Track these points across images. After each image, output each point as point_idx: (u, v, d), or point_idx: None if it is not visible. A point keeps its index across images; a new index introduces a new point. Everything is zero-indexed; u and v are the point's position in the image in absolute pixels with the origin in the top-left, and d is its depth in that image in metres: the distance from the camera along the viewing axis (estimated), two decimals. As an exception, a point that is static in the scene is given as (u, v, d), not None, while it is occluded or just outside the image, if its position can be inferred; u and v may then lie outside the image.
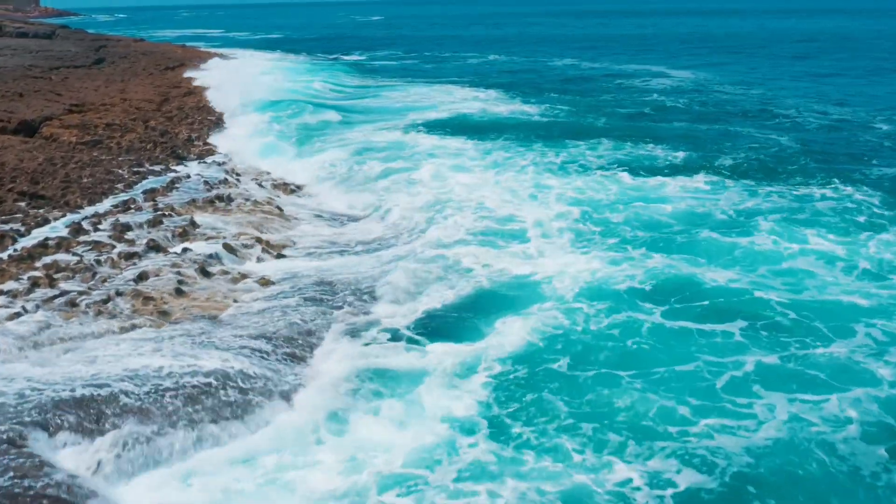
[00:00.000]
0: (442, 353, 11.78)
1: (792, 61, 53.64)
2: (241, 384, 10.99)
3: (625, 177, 21.06)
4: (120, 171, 21.14)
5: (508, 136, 26.52)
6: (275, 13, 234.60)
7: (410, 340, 12.37)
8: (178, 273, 14.94)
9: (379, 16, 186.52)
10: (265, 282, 15.19)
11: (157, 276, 14.79)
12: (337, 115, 31.39)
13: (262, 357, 11.80)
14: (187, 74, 41.81)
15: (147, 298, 13.74)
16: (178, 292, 14.18)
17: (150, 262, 15.47)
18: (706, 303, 13.28)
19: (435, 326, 12.84)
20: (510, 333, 12.31)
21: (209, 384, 10.80)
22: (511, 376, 11.18)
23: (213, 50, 65.98)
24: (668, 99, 36.27)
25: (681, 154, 23.82)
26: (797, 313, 12.80)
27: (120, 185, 19.92)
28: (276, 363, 11.62)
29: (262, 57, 61.72)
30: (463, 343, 12.13)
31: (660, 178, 20.65)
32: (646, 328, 12.54)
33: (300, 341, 12.33)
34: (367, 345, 12.21)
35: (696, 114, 31.98)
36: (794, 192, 19.47)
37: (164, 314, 13.34)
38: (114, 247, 15.99)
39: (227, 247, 16.78)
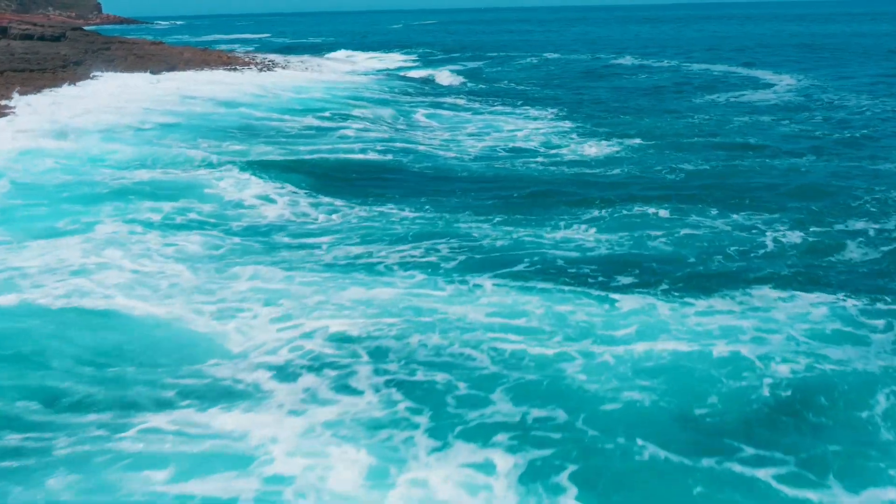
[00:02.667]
0: None
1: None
2: None
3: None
4: None
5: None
6: (340, 19, 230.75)
7: None
8: None
9: (433, 20, 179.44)
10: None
11: None
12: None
13: None
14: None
15: None
16: None
17: None
18: None
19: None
20: None
21: None
22: None
23: (233, 54, 58.92)
24: (770, 119, 26.76)
25: (791, 227, 14.51)
26: None
27: None
28: None
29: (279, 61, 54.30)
30: None
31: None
32: None
33: None
34: None
35: (811, 142, 22.57)
36: None
37: None
38: None
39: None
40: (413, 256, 12.98)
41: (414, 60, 61.09)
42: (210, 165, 19.06)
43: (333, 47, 75.83)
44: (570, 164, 20.36)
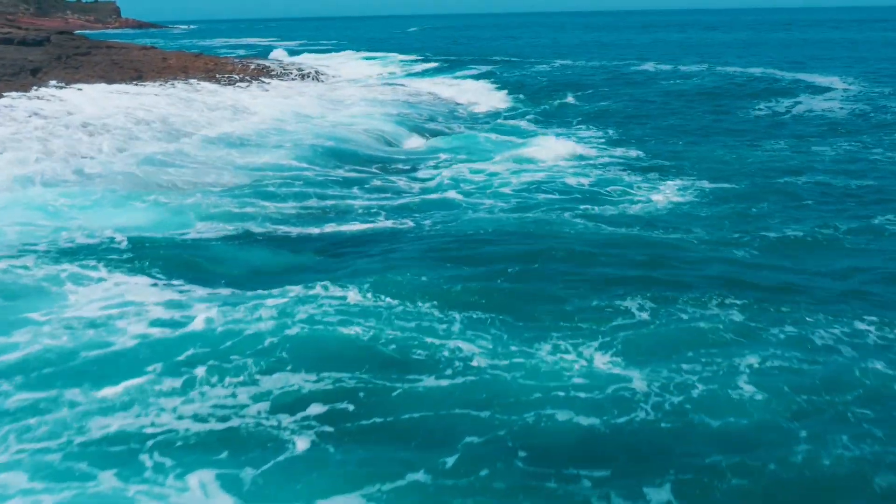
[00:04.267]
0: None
1: None
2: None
3: None
4: None
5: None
6: (352, 24, 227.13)
7: None
8: None
9: (438, 24, 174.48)
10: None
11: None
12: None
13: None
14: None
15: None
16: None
17: None
18: None
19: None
20: None
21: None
22: None
23: (222, 60, 54.07)
24: (860, 146, 20.90)
25: None
26: None
27: None
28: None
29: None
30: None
31: None
32: None
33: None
34: None
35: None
36: None
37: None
38: None
39: None
40: (248, 414, 7.03)
41: (424, 65, 55.37)
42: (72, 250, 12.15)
43: (335, 51, 70.69)
44: (612, 220, 14.36)
